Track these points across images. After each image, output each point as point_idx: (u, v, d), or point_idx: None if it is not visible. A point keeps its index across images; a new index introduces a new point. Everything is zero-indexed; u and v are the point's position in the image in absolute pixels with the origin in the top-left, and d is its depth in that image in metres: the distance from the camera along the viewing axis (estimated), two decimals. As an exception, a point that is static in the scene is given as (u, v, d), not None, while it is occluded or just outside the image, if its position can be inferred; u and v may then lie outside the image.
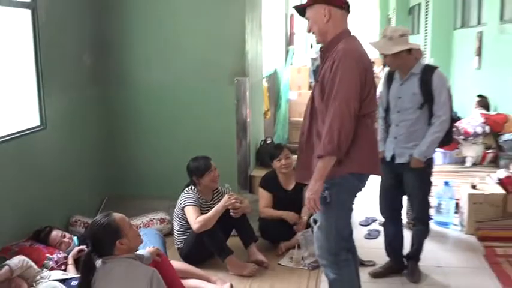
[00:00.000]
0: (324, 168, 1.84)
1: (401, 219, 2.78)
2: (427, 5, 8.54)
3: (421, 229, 2.75)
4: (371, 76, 1.93)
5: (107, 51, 3.65)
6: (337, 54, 1.86)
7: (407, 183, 2.57)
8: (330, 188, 1.89)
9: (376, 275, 2.68)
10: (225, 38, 3.47)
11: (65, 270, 2.63)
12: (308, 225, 2.84)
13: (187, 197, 2.84)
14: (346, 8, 1.91)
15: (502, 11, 5.19)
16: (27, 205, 2.84)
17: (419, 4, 10.62)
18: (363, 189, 2.03)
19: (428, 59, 8.05)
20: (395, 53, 2.42)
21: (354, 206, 2.06)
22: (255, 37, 4.00)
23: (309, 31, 2.05)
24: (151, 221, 3.17)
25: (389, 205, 2.71)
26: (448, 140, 2.68)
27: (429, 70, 2.52)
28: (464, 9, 7.29)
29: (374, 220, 3.52)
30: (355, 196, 2.05)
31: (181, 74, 3.52)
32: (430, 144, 2.48)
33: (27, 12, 2.81)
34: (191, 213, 2.74)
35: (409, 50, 2.43)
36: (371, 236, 3.26)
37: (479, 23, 6.37)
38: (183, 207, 2.81)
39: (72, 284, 2.42)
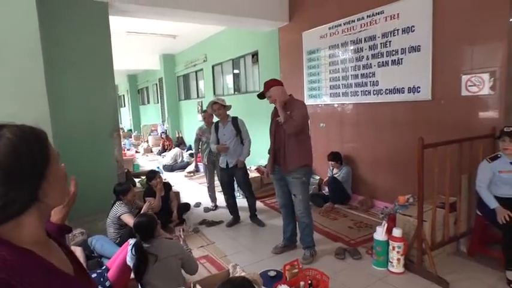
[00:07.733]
0: None
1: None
2: (161, 87, 12.32)
3: (250, 199, 4.54)
4: None
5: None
6: (298, 105, 3.16)
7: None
8: (307, 175, 3.21)
9: (230, 225, 4.47)
10: (107, 111, 4.56)
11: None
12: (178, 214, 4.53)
13: (120, 209, 3.67)
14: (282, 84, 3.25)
15: (214, 90, 9.21)
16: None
17: (146, 87, 15.57)
18: None
19: (166, 117, 11.36)
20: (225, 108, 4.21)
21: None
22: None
23: (272, 101, 3.25)
24: (75, 234, 3.80)
25: (231, 186, 4.58)
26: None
27: (234, 119, 4.29)
28: (186, 89, 11.38)
29: (199, 204, 5.53)
30: None
31: (86, 131, 4.43)
32: (245, 153, 4.30)
33: None
34: (129, 218, 3.60)
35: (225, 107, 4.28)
36: (207, 210, 5.22)
37: (198, 96, 10.38)
38: (119, 216, 3.63)
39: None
